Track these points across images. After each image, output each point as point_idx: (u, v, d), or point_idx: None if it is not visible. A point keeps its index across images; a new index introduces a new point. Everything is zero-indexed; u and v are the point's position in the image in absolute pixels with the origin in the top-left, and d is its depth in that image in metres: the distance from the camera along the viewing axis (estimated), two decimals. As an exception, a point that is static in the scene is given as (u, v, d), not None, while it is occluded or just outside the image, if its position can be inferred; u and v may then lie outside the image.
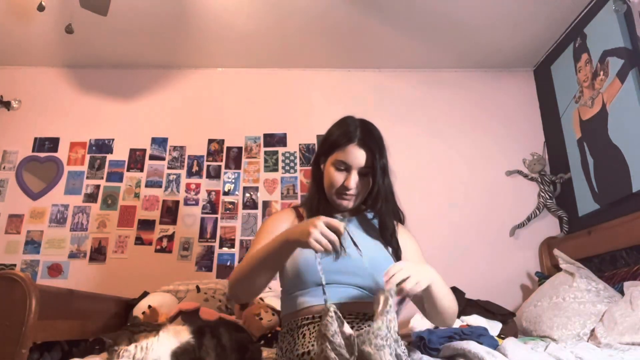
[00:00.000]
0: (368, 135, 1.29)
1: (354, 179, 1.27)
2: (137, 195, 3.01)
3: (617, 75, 2.34)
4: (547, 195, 2.90)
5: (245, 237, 2.92)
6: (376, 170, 1.28)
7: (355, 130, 1.29)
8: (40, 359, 1.77)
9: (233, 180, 3.07)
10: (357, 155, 1.27)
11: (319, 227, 1.00)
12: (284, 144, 3.14)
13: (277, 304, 2.07)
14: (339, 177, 1.29)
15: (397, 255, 1.31)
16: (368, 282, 1.21)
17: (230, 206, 3.00)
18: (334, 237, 1.00)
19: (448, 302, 1.20)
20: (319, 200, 1.35)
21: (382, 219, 1.34)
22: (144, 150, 3.12)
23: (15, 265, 2.81)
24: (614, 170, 2.36)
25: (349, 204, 1.31)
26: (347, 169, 1.29)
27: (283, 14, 2.76)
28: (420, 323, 2.00)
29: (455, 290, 2.28)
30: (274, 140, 3.16)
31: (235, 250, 2.89)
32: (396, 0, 2.63)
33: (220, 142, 3.16)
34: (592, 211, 2.55)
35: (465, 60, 3.20)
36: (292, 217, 1.39)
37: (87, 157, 3.09)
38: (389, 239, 1.32)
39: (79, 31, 2.62)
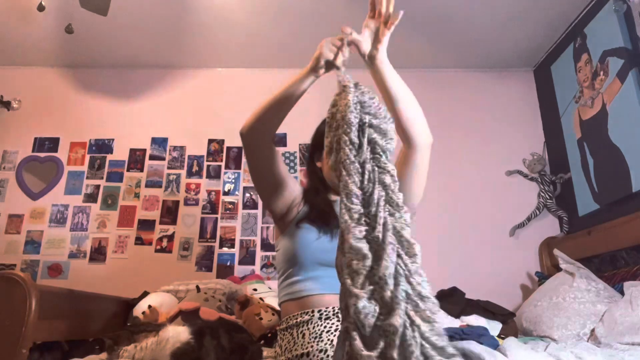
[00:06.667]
0: None
1: None
2: (137, 195, 3.01)
3: (617, 75, 2.34)
4: (547, 195, 2.90)
5: (245, 237, 2.92)
6: None
7: None
8: (40, 359, 1.77)
9: (233, 180, 3.07)
10: None
11: (324, 44, 1.11)
12: (284, 144, 3.14)
13: (277, 304, 2.07)
14: None
15: None
16: None
17: (230, 206, 3.00)
18: (339, 43, 1.10)
19: (407, 95, 1.17)
20: (318, 191, 1.35)
21: None
22: (144, 150, 3.12)
23: (15, 265, 2.81)
24: (614, 170, 2.36)
25: None
26: None
27: (283, 14, 2.76)
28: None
29: (455, 290, 2.28)
30: (274, 140, 3.16)
31: (235, 250, 2.89)
32: (396, 0, 2.63)
33: (220, 142, 3.16)
34: (592, 211, 2.55)
35: (465, 60, 3.20)
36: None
37: (87, 157, 3.09)
38: None
39: (79, 31, 2.62)
